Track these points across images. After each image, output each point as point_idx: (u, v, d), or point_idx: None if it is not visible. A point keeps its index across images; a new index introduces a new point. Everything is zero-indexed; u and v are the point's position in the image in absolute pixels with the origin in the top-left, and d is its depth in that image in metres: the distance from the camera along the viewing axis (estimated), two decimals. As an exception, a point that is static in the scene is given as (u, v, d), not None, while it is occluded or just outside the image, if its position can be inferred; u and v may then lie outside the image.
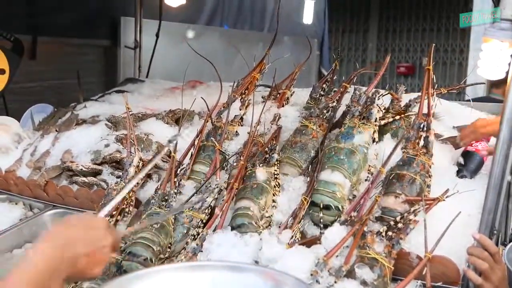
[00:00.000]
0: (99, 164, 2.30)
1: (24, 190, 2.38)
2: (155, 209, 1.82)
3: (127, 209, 1.99)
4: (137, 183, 2.07)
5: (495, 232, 1.59)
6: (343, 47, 11.74)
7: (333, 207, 1.77)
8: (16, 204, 2.37)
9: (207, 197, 1.91)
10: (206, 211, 1.88)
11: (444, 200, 1.73)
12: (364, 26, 11.61)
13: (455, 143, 2.22)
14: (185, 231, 1.82)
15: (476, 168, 2.11)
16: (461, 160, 2.13)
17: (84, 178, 2.27)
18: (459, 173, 2.08)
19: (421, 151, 1.88)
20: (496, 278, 1.51)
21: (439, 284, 1.61)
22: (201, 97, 2.25)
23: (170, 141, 1.47)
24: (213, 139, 2.10)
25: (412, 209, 1.72)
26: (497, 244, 1.60)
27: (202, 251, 1.69)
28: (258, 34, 5.80)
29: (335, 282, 1.52)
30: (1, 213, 2.29)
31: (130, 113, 2.50)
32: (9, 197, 2.40)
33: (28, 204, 2.36)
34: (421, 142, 1.93)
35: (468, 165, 2.11)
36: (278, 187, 1.87)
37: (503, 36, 1.55)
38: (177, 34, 4.53)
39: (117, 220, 1.93)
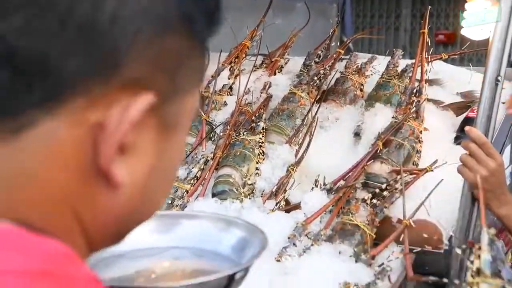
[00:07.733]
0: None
1: None
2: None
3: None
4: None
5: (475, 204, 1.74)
6: (372, 13, 11.73)
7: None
8: None
9: (192, 168, 2.12)
10: (192, 181, 2.09)
11: (432, 170, 1.89)
12: (396, -10, 11.57)
13: (456, 109, 2.36)
14: (170, 202, 2.03)
15: (475, 135, 2.25)
16: (461, 127, 2.28)
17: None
18: (457, 140, 2.23)
19: (410, 116, 2.04)
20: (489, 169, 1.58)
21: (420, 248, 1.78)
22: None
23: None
24: (199, 109, 2.29)
25: (398, 177, 1.89)
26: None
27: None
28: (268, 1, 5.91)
29: (312, 245, 1.70)
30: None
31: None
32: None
33: None
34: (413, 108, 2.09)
35: (467, 132, 2.25)
36: (262, 155, 2.06)
37: (485, -6, 1.69)
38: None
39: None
